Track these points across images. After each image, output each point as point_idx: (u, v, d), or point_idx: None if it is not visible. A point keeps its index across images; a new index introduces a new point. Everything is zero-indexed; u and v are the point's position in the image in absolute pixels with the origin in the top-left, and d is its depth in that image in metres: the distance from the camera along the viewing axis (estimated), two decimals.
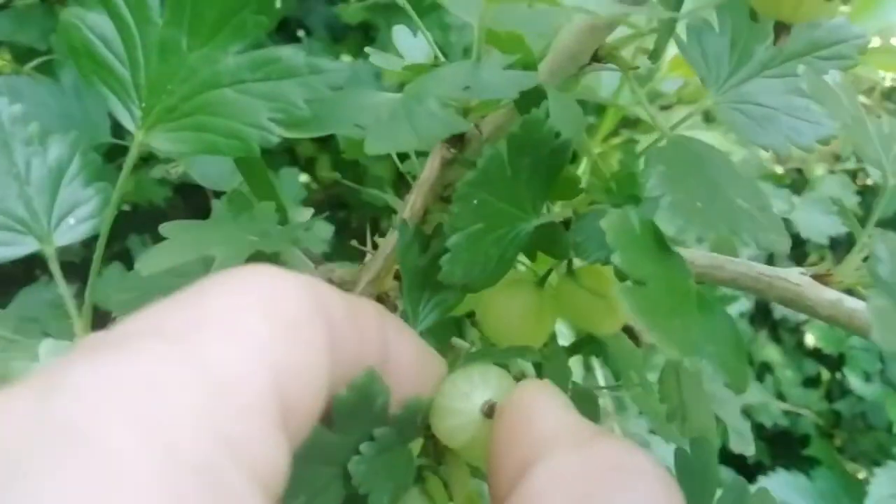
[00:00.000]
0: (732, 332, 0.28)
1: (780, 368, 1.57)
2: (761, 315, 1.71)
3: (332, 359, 0.22)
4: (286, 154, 1.38)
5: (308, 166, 1.43)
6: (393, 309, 0.42)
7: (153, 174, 0.97)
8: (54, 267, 0.36)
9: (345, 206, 1.50)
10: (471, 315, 0.46)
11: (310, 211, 0.37)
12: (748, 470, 1.44)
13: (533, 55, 0.34)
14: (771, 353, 1.61)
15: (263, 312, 0.21)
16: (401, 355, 0.26)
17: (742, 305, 1.53)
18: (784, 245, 0.29)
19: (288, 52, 0.31)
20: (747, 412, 1.45)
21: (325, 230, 0.82)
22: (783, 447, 1.53)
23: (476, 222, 0.32)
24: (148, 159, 1.04)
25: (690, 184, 0.30)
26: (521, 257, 0.41)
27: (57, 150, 0.37)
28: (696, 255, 0.34)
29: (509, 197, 0.33)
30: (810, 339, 1.67)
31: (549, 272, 0.40)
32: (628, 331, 0.40)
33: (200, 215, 0.40)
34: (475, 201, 0.31)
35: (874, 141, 0.33)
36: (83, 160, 0.37)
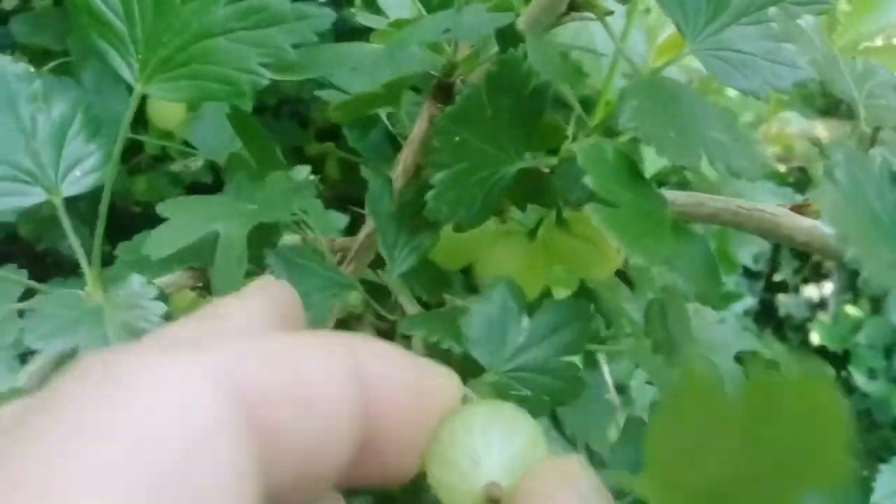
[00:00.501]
0: (706, 254, 0.29)
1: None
2: (766, 313, 1.70)
3: (268, 454, 0.18)
4: (294, 153, 1.40)
5: (317, 166, 1.45)
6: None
7: (174, 168, 0.99)
8: (62, 216, 0.37)
9: (355, 203, 1.51)
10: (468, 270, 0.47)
11: (307, 168, 0.38)
12: None
13: (510, 1, 0.35)
14: (775, 351, 1.60)
15: (153, 441, 0.16)
16: (390, 391, 0.21)
17: (746, 303, 1.53)
18: (756, 171, 0.30)
19: (275, 1, 0.33)
20: None
21: (340, 220, 0.85)
22: None
23: (459, 161, 0.33)
24: (163, 159, 1.06)
25: (664, 116, 0.31)
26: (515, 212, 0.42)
27: (60, 106, 0.38)
28: (676, 193, 0.35)
29: (490, 138, 0.34)
30: (815, 338, 1.66)
31: (539, 222, 0.41)
32: (621, 274, 0.41)
33: None
34: (456, 139, 0.32)
35: (846, 78, 0.33)
36: (85, 117, 0.39)
